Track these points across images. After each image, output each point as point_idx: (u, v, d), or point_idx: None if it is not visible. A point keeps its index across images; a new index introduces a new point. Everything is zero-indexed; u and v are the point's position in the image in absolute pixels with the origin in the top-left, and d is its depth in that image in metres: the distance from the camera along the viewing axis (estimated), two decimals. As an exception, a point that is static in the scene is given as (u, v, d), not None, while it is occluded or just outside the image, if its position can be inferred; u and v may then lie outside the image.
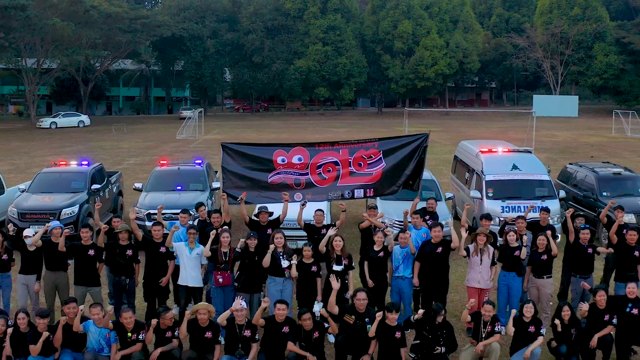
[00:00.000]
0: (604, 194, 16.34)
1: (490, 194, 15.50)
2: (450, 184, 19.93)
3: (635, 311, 9.24)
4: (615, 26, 79.93)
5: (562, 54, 78.00)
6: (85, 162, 17.47)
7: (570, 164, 19.32)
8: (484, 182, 15.72)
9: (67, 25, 53.94)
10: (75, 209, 14.91)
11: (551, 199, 15.29)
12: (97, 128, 56.60)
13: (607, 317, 9.22)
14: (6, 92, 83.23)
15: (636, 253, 10.75)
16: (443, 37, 73.70)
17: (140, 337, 8.63)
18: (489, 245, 10.17)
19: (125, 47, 68.53)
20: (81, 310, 8.69)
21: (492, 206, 14.97)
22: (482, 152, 16.86)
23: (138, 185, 16.58)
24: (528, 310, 9.11)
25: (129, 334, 8.59)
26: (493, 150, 17.12)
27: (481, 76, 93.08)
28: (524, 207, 14.11)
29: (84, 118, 59.50)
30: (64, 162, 17.84)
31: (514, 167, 16.17)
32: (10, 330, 8.60)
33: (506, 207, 14.84)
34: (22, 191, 16.28)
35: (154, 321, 8.71)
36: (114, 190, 18.03)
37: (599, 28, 77.10)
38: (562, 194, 16.42)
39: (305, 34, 72.88)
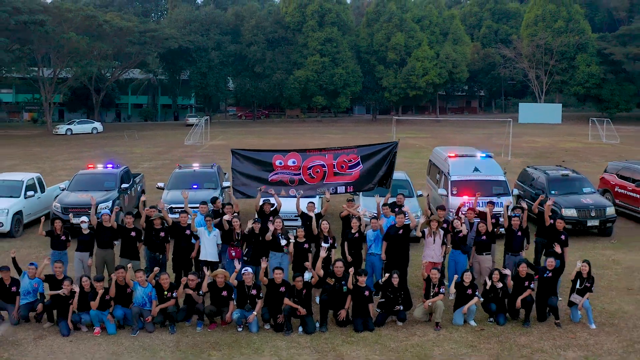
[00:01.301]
0: (553, 192, 18.78)
1: (454, 192, 18.12)
2: (425, 184, 22.53)
3: (550, 274, 11.86)
4: (597, 38, 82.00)
5: (546, 64, 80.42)
6: (110, 165, 20.12)
7: (528, 167, 21.88)
8: (450, 182, 18.34)
9: (82, 39, 56.64)
10: (109, 203, 17.51)
11: (505, 195, 17.86)
12: (109, 134, 59.06)
13: (527, 284, 11.83)
14: (21, 100, 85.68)
15: (562, 237, 13.36)
16: (433, 49, 75.81)
17: (173, 294, 11.27)
18: (440, 229, 12.79)
19: (135, 58, 70.97)
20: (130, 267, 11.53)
21: (456, 202, 17.53)
22: (450, 156, 19.50)
23: (160, 184, 19.22)
24: (467, 277, 11.71)
25: (165, 292, 11.22)
26: (459, 154, 19.75)
27: (471, 85, 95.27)
28: (482, 202, 16.68)
29: (97, 125, 61.93)
30: (92, 165, 20.48)
31: (475, 169, 18.76)
32: (76, 291, 11.23)
33: (467, 203, 17.38)
34: (62, 190, 18.91)
35: (183, 279, 11.39)
36: (138, 189, 20.63)
37: (581, 40, 79.42)
38: (516, 191, 19.02)
39: (304, 45, 74.81)
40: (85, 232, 12.87)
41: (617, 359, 10.34)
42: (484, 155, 19.80)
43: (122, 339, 10.92)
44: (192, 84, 78.34)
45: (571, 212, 17.97)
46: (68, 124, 61.19)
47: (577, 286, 11.80)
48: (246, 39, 74.50)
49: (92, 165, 20.19)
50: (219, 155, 40.38)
